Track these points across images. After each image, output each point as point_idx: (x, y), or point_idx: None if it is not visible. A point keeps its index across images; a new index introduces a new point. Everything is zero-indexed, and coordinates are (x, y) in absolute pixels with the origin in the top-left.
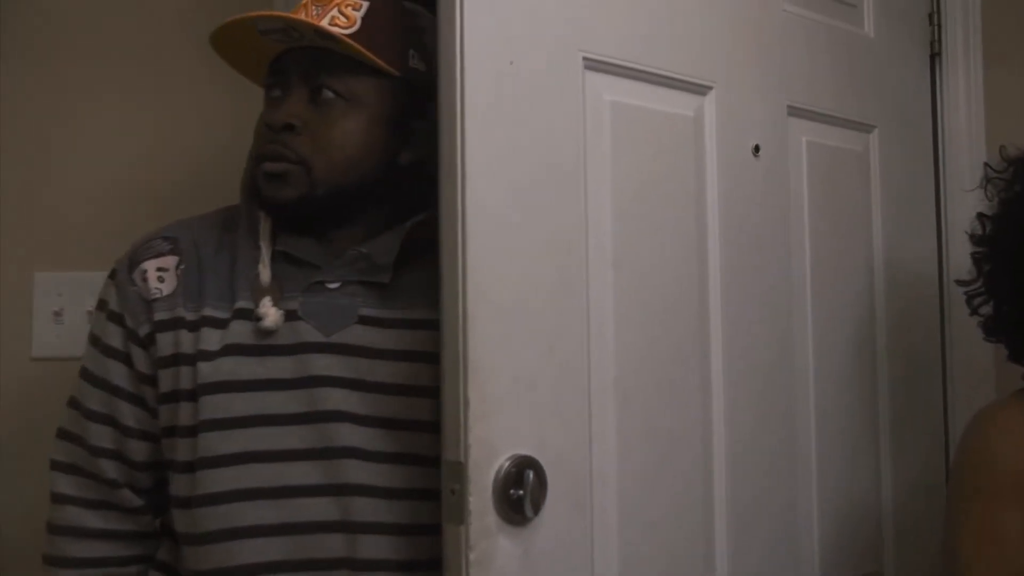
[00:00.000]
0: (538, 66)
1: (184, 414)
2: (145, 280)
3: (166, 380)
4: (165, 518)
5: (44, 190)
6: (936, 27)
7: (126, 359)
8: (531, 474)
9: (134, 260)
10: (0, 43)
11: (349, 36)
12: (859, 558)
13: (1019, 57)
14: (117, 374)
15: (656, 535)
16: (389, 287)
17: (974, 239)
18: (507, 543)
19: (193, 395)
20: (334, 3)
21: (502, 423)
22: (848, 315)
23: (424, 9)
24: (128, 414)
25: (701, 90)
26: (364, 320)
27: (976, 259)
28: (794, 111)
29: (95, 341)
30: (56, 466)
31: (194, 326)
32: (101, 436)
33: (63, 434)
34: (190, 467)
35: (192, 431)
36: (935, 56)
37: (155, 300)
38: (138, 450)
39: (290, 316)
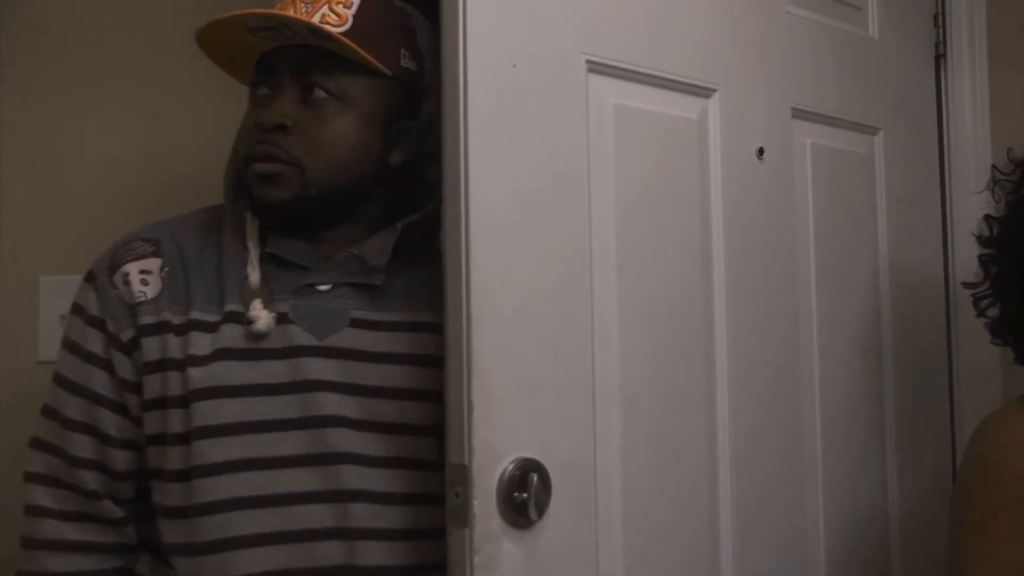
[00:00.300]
0: (541, 69)
1: (174, 421)
2: (127, 283)
3: (152, 386)
4: (145, 530)
5: (49, 193)
6: (941, 29)
7: (108, 366)
8: (535, 477)
9: (114, 263)
10: (1, 46)
11: (342, 35)
12: (865, 562)
13: None
14: (98, 381)
15: (661, 539)
16: (379, 289)
17: (981, 241)
18: (511, 546)
19: (184, 401)
20: (324, 0)
21: (506, 426)
22: (853, 318)
23: (414, 9)
24: (110, 423)
25: (705, 93)
26: (356, 323)
27: (983, 261)
28: (798, 113)
29: (73, 347)
30: (32, 478)
31: (181, 330)
32: (81, 446)
33: (39, 445)
34: (182, 476)
35: (183, 438)
36: (940, 58)
37: (139, 304)
38: (120, 460)
39: (281, 319)
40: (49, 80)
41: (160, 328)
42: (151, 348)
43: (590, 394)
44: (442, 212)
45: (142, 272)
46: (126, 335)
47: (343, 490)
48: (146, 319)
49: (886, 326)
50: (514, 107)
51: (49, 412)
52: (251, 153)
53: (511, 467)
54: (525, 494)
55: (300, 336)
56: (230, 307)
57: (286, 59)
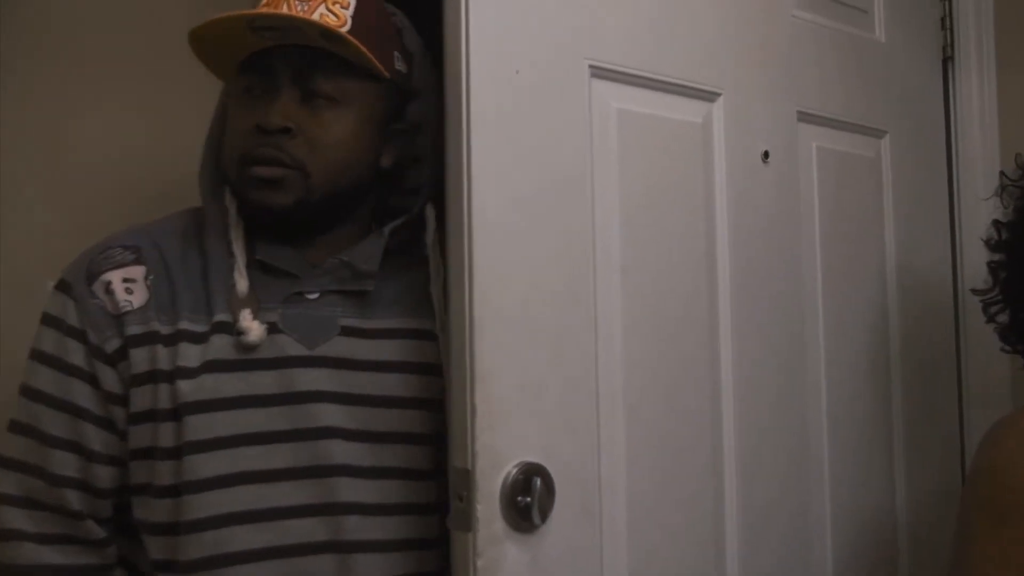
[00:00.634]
0: (544, 74)
1: (165, 435)
2: (110, 292)
3: (141, 399)
4: (121, 548)
5: (54, 198)
6: (948, 31)
7: (91, 378)
8: (539, 481)
9: (93, 271)
10: (3, 51)
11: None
12: (873, 567)
13: None
14: (82, 395)
15: (666, 543)
16: (367, 295)
17: (990, 246)
18: (515, 550)
19: (174, 415)
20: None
21: (509, 431)
22: (860, 322)
23: (396, 9)
24: (95, 438)
25: (710, 97)
26: (346, 331)
27: (992, 267)
28: (804, 116)
29: (50, 360)
30: (5, 500)
31: (170, 340)
32: (65, 463)
33: (11, 464)
34: (172, 491)
35: (173, 453)
36: (948, 60)
37: (126, 314)
38: (104, 476)
39: (270, 328)
40: (50, 81)
41: (149, 339)
42: (139, 359)
43: (593, 398)
44: (445, 216)
45: (125, 281)
46: (110, 346)
47: (336, 503)
48: (133, 329)
49: (894, 330)
50: (516, 112)
51: (23, 429)
52: (251, 156)
53: (515, 471)
54: (528, 498)
55: (290, 346)
56: (219, 317)
57: (285, 60)
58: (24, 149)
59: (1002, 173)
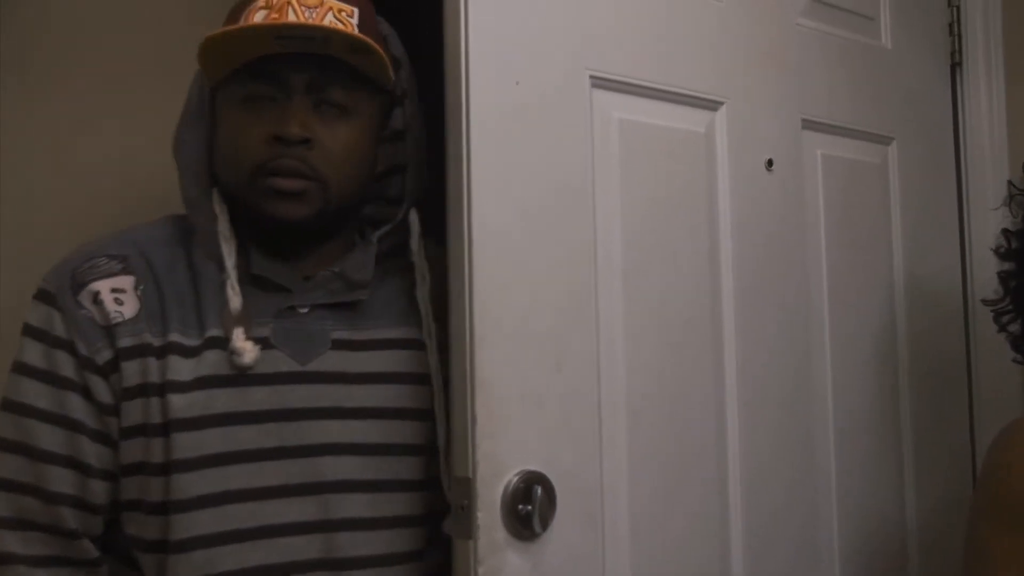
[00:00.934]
0: (544, 85)
1: (156, 451)
2: (98, 303)
3: (132, 413)
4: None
5: (57, 201)
6: (956, 37)
7: (84, 390)
8: (539, 489)
9: (78, 281)
10: (5, 53)
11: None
12: (883, 573)
13: None
14: (76, 408)
15: (670, 551)
16: (356, 306)
17: (999, 255)
18: (516, 558)
19: (164, 430)
20: (327, 8)
21: (510, 439)
22: (868, 330)
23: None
24: (90, 452)
25: (712, 106)
26: (337, 344)
27: (1002, 276)
28: (809, 124)
29: (38, 373)
30: None
31: (161, 353)
32: (61, 480)
33: (1, 484)
34: (163, 508)
35: (163, 469)
36: (956, 66)
37: (117, 325)
38: (100, 492)
39: (262, 344)
40: (52, 84)
41: (140, 351)
42: (131, 372)
43: (596, 406)
44: (446, 227)
45: (114, 291)
46: (101, 357)
47: (328, 520)
48: (125, 341)
49: (902, 338)
50: (517, 123)
51: (10, 446)
52: (270, 167)
53: (515, 479)
54: (529, 506)
55: (283, 362)
56: (211, 332)
57: (298, 68)
58: (26, 152)
59: (1010, 183)
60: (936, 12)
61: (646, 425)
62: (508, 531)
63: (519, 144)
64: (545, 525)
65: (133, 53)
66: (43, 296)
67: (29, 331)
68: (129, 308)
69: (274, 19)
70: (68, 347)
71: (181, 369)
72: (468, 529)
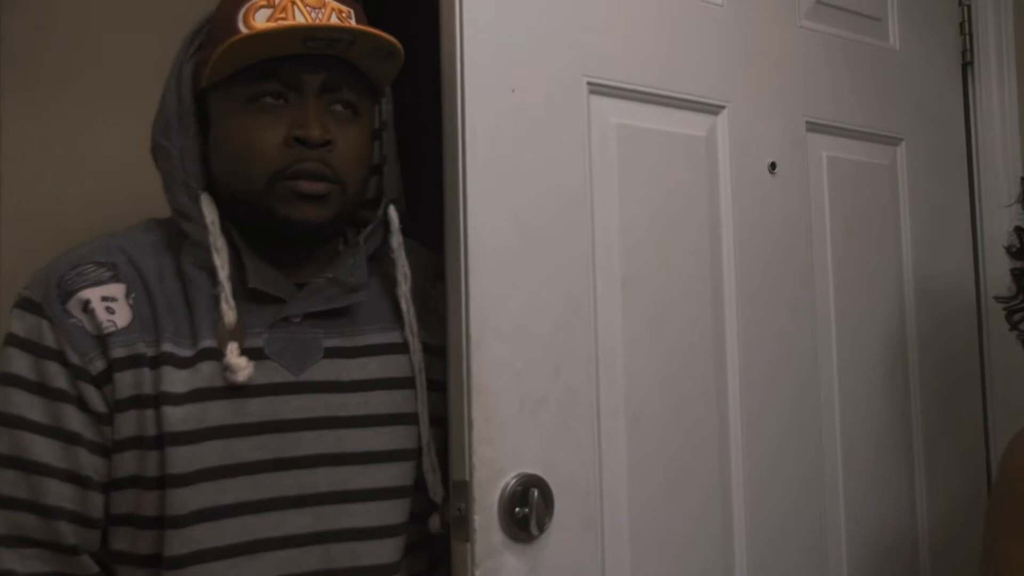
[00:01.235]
0: (541, 93)
1: (151, 464)
2: (89, 311)
3: (125, 425)
4: None
5: (63, 203)
6: (967, 36)
7: (78, 401)
8: (536, 493)
9: (66, 289)
10: (10, 55)
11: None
12: None
13: None
14: (72, 419)
15: (672, 557)
16: (344, 313)
17: (1012, 252)
18: (513, 560)
19: (158, 442)
20: (330, 8)
21: (507, 443)
22: (877, 332)
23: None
24: (87, 463)
25: (713, 110)
26: (329, 352)
27: (1015, 273)
28: (813, 126)
29: (28, 385)
30: None
31: (154, 363)
32: (60, 494)
33: None
34: (156, 523)
35: (158, 483)
36: (967, 66)
37: (110, 335)
38: (98, 505)
39: (256, 354)
40: (57, 87)
41: (134, 361)
42: (124, 383)
43: (594, 411)
44: (444, 235)
45: (105, 299)
46: (95, 368)
47: (325, 531)
48: (118, 352)
49: (912, 341)
50: (513, 131)
51: (2, 461)
52: (293, 170)
53: (513, 482)
54: (526, 509)
55: (277, 373)
56: (205, 343)
57: (312, 68)
58: (31, 155)
59: (1023, 180)
60: (947, 11)
61: (647, 430)
62: (505, 534)
63: (515, 151)
64: (542, 528)
65: (138, 55)
66: (27, 305)
67: (14, 341)
68: (121, 317)
69: (280, 19)
70: (58, 357)
71: (175, 380)
72: (465, 531)
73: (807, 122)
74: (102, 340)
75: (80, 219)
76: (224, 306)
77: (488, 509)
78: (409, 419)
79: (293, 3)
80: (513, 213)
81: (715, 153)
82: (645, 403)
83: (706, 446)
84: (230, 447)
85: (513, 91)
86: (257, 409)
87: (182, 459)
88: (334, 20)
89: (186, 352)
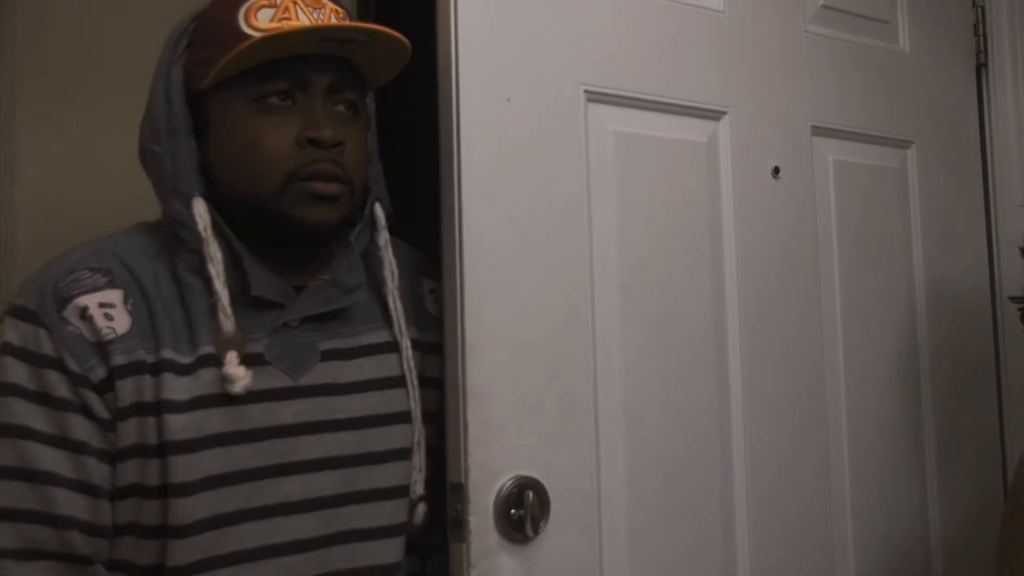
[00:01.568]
0: (537, 102)
1: (152, 473)
2: (86, 319)
3: (127, 433)
4: None
5: (73, 205)
6: (981, 37)
7: (83, 409)
8: (531, 494)
9: (62, 296)
10: (19, 58)
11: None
12: None
13: None
14: (78, 428)
15: (673, 560)
16: (339, 315)
17: None
18: (509, 561)
19: (160, 451)
20: (329, 9)
21: (504, 446)
22: (887, 337)
23: None
24: (96, 472)
25: (715, 116)
26: (326, 355)
27: None
28: (819, 130)
29: (31, 395)
30: (4, 554)
31: (155, 370)
32: (71, 504)
33: (2, 514)
34: (159, 533)
35: (160, 492)
36: (981, 67)
37: (110, 342)
38: (107, 514)
39: (256, 360)
40: (69, 87)
41: (135, 368)
42: (126, 391)
43: (592, 414)
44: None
45: (102, 306)
46: (96, 375)
47: (328, 534)
48: (119, 359)
49: (924, 346)
50: (508, 141)
51: (7, 473)
52: (308, 172)
53: (509, 484)
54: (522, 511)
55: (276, 378)
56: (205, 349)
57: (320, 70)
58: (45, 156)
59: None
60: (960, 13)
61: (646, 435)
62: (501, 535)
63: (511, 160)
64: (537, 529)
65: (147, 60)
66: (21, 313)
67: (9, 350)
68: (120, 324)
69: (284, 19)
70: (57, 366)
71: (176, 388)
72: (461, 532)
73: (812, 126)
74: (102, 347)
75: (92, 220)
76: (221, 316)
77: (484, 511)
78: (405, 418)
79: (295, 3)
80: (509, 220)
81: (716, 159)
82: (645, 408)
83: (707, 452)
84: (231, 454)
85: (509, 101)
86: (257, 415)
87: (185, 468)
88: (333, 20)
89: (186, 359)
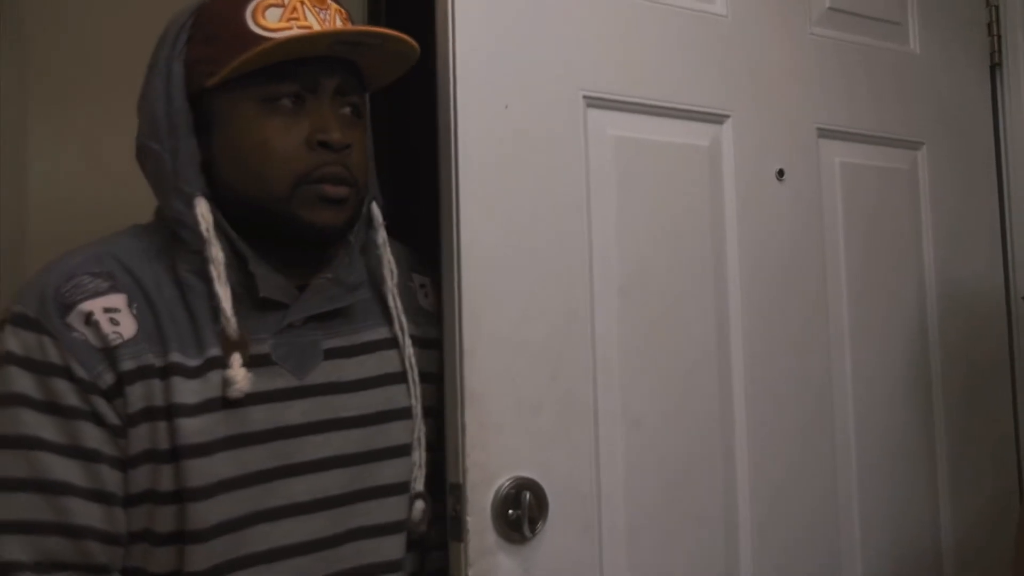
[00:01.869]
0: (535, 108)
1: (164, 478)
2: (91, 324)
3: (138, 439)
4: None
5: (85, 207)
6: (995, 37)
7: (94, 416)
8: (528, 495)
9: (64, 302)
10: (34, 61)
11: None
12: None
13: None
14: (90, 436)
15: (673, 559)
16: (339, 313)
17: None
18: (507, 560)
19: (172, 455)
20: (334, 10)
21: (502, 447)
22: (896, 341)
23: None
24: (110, 479)
25: (717, 119)
26: (329, 354)
27: None
28: (825, 132)
29: (39, 404)
30: (18, 568)
31: (163, 374)
32: (87, 513)
33: (15, 527)
34: (175, 538)
35: (174, 497)
36: (995, 67)
37: (117, 347)
38: (122, 521)
39: (262, 360)
40: (80, 85)
41: (143, 373)
42: (136, 397)
43: (592, 416)
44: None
45: (107, 311)
46: (104, 382)
47: (337, 534)
48: (127, 364)
49: (935, 347)
50: (506, 146)
51: (19, 484)
52: (318, 174)
53: (507, 485)
54: (519, 511)
55: (282, 378)
56: (212, 352)
57: (329, 72)
58: (58, 154)
59: None
60: (974, 13)
61: (646, 436)
62: (499, 535)
63: (509, 165)
64: (535, 530)
65: None
66: (22, 321)
67: (12, 360)
68: (127, 328)
69: (293, 19)
70: (65, 374)
71: (185, 391)
72: (459, 532)
73: (818, 128)
74: (109, 353)
75: (104, 217)
76: (223, 319)
77: (481, 511)
78: (405, 414)
79: (302, 2)
80: (507, 224)
81: (719, 163)
82: (645, 410)
83: (709, 455)
84: (243, 456)
85: (506, 107)
86: (266, 416)
87: (200, 472)
88: (339, 22)
89: (194, 361)
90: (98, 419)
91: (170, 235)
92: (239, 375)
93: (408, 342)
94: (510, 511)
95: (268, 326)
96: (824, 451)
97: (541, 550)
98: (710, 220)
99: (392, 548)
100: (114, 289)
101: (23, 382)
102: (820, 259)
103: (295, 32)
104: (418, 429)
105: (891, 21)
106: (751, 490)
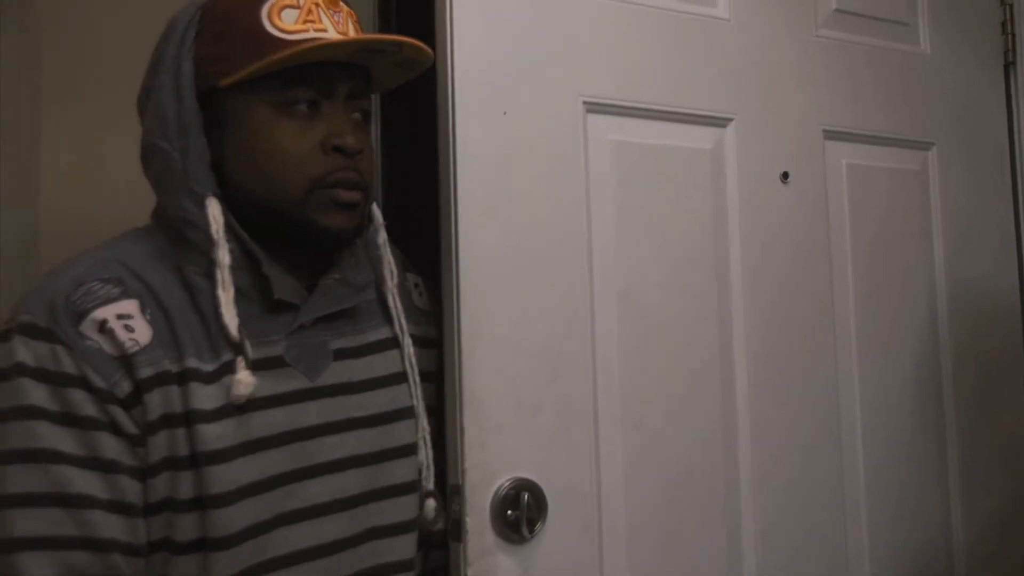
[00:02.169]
0: (534, 113)
1: (185, 486)
2: (106, 332)
3: (158, 447)
4: None
5: (92, 210)
6: (1010, 36)
7: (111, 427)
8: (527, 496)
9: (76, 311)
10: (44, 64)
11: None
12: None
13: None
14: (108, 446)
15: (673, 559)
16: (345, 313)
17: None
18: (506, 560)
19: (192, 462)
20: (346, 12)
21: (501, 449)
22: (906, 341)
23: None
24: (130, 490)
25: (720, 123)
26: (338, 354)
27: None
28: (831, 134)
29: (55, 416)
30: None
31: (180, 380)
32: (110, 526)
33: (37, 544)
34: (196, 546)
35: (195, 505)
36: (1009, 66)
37: (134, 354)
38: (143, 532)
39: (276, 363)
40: (91, 88)
41: (161, 380)
42: (154, 404)
43: (591, 417)
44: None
45: (121, 317)
46: (121, 390)
47: (356, 534)
48: (145, 371)
49: (945, 348)
50: (505, 151)
51: (41, 499)
52: (333, 179)
53: (506, 486)
54: (518, 512)
55: (296, 380)
56: (227, 356)
57: (345, 78)
58: (69, 163)
59: None
60: (987, 12)
61: (647, 438)
62: (498, 535)
63: (508, 169)
64: (533, 530)
65: None
66: (32, 331)
67: (25, 371)
68: (142, 335)
69: (309, 21)
70: (81, 384)
71: (203, 397)
72: (458, 532)
73: (824, 130)
74: (126, 360)
75: (115, 225)
76: (223, 325)
77: (480, 512)
78: (409, 413)
79: (317, 4)
80: (507, 228)
81: (722, 166)
82: (645, 411)
83: (711, 457)
84: (262, 460)
85: (505, 113)
86: (283, 419)
87: (222, 478)
88: (351, 25)
89: (209, 366)
90: (116, 429)
91: (174, 236)
92: (242, 379)
93: (408, 342)
94: (509, 512)
95: (280, 328)
96: (830, 454)
97: (540, 550)
98: (713, 223)
99: (405, 547)
100: (125, 295)
101: (37, 394)
102: (826, 260)
103: (326, 38)
104: (422, 428)
105: (900, 22)
106: (755, 493)
